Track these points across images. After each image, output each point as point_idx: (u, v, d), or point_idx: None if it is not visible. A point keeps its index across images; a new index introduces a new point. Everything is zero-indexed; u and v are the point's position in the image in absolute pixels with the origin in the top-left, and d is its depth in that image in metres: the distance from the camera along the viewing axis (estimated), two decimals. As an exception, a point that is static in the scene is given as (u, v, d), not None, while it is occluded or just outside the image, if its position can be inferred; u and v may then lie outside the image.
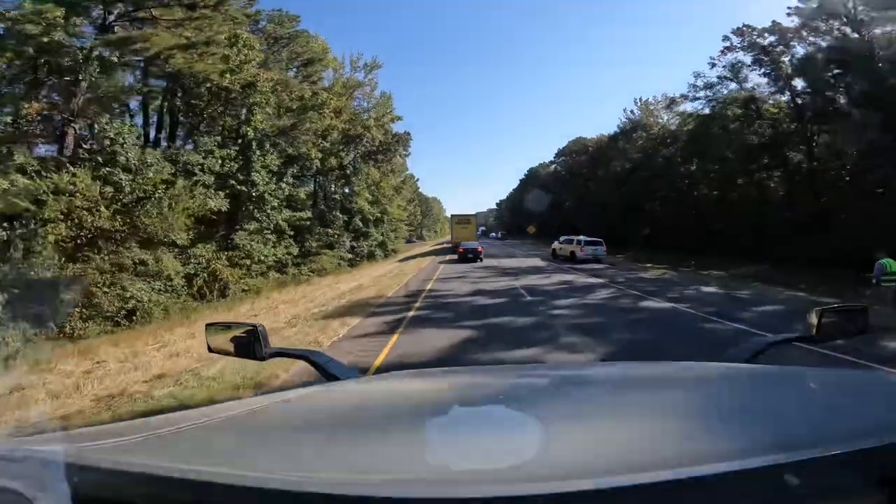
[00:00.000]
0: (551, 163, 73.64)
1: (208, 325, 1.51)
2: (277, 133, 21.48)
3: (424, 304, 11.48)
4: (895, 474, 0.55)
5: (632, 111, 42.16)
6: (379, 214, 35.11)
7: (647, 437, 0.73)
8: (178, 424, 0.87)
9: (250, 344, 1.36)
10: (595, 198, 44.67)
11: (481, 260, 25.44)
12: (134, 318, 12.44)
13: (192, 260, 15.90)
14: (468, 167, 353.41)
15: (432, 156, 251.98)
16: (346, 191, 30.02)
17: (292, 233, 23.61)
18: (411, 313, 10.17)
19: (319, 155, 24.06)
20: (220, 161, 17.03)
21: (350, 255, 32.79)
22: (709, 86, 28.19)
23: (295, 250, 23.98)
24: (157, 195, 13.38)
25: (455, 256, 27.71)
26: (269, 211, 19.58)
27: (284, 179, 22.17)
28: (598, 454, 0.66)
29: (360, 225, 36.18)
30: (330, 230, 29.42)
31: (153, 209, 13.31)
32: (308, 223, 26.01)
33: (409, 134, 31.33)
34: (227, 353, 1.46)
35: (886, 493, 0.54)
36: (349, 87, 30.15)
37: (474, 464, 0.67)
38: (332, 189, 31.34)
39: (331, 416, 0.99)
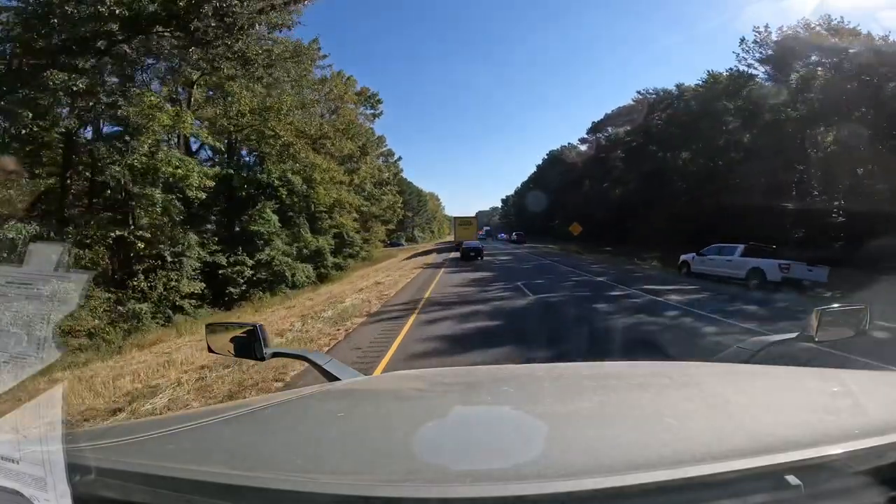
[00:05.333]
0: (582, 141, 55.21)
1: (208, 326, 1.49)
2: None
3: None
4: (895, 474, 0.56)
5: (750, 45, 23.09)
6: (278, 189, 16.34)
7: (647, 437, 0.72)
8: (177, 425, 0.85)
9: (250, 344, 1.33)
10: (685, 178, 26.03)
11: (482, 258, 23.96)
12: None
13: None
14: (468, 167, 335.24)
15: (429, 156, 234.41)
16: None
17: None
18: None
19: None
20: None
21: (204, 290, 14.08)
22: None
23: None
24: None
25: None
26: None
27: None
28: (599, 454, 0.65)
29: (268, 225, 17.54)
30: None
31: None
32: None
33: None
34: (226, 354, 1.42)
35: (886, 493, 0.54)
36: None
37: (474, 464, 0.66)
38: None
39: (331, 417, 0.97)
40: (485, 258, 24.60)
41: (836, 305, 1.38)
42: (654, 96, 33.02)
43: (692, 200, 26.32)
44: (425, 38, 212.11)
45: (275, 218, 20.29)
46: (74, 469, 0.56)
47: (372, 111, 33.52)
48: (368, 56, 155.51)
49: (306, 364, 1.37)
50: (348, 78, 30.85)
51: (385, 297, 10.58)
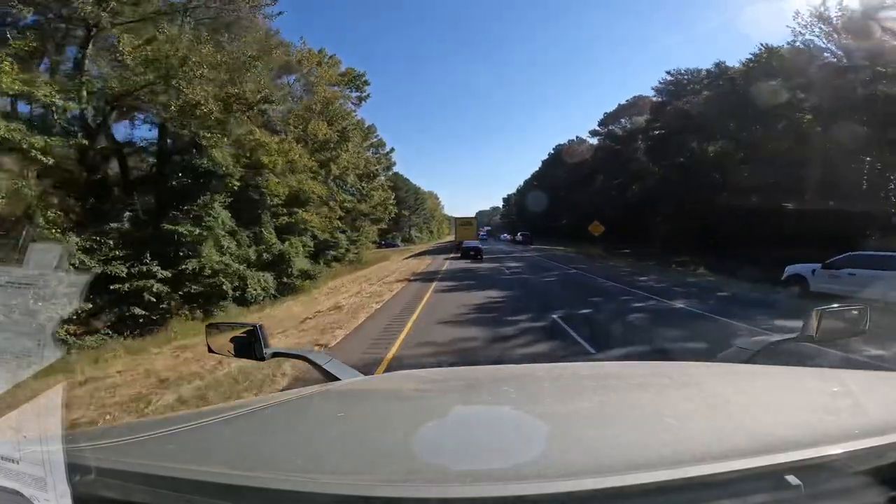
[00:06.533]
0: (593, 133, 50.85)
1: (208, 326, 1.47)
2: None
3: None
4: (895, 474, 0.55)
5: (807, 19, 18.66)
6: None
7: (647, 437, 0.71)
8: (177, 425, 0.84)
9: (250, 344, 1.33)
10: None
11: (481, 259, 23.88)
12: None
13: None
14: (468, 167, 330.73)
15: (429, 156, 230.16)
16: None
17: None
18: None
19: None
20: None
21: (81, 313, 9.52)
22: None
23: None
24: None
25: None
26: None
27: None
28: (599, 454, 0.65)
29: (216, 223, 13.42)
30: None
31: None
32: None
33: None
34: (226, 354, 1.40)
35: (886, 493, 0.54)
36: None
37: (474, 464, 0.65)
38: None
39: (331, 416, 0.97)
40: (491, 265, 20.26)
41: (835, 305, 1.33)
42: (686, 77, 28.53)
43: (730, 196, 21.98)
44: (425, 38, 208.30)
45: (224, 214, 15.87)
46: (74, 469, 0.56)
47: (358, 94, 29.03)
48: (368, 56, 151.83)
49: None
50: (330, 57, 26.49)
51: (319, 347, 6.05)
